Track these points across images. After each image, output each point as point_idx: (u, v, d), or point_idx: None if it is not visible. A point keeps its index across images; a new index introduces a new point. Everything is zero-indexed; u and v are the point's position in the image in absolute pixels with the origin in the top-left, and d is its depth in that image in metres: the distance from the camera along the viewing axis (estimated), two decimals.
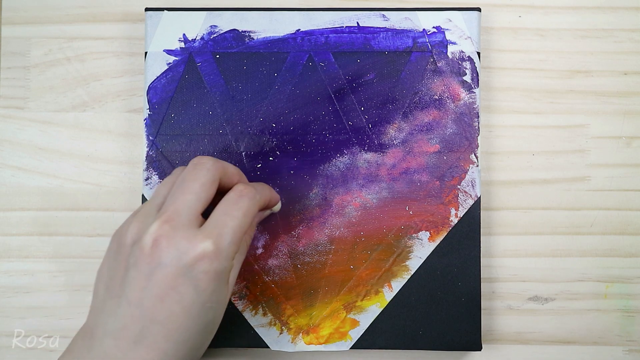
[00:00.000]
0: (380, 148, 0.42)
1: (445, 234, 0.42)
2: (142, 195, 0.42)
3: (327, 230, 0.42)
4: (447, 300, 0.41)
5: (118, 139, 0.44)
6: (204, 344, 0.35)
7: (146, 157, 0.42)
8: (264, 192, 0.38)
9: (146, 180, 0.42)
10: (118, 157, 0.44)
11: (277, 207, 0.41)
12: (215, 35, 0.43)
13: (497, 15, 0.45)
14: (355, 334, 0.41)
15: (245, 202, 0.35)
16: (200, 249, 0.32)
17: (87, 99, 0.44)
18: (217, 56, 0.43)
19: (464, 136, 0.42)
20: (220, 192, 0.36)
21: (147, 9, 0.43)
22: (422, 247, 0.42)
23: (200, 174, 0.34)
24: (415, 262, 0.42)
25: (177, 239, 0.32)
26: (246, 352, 0.43)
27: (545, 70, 0.44)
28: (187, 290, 0.32)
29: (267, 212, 0.41)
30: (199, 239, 0.32)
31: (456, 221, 0.42)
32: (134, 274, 0.32)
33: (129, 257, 0.33)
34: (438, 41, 0.43)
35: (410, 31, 0.43)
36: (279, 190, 0.42)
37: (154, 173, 0.42)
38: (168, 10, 0.43)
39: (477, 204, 0.42)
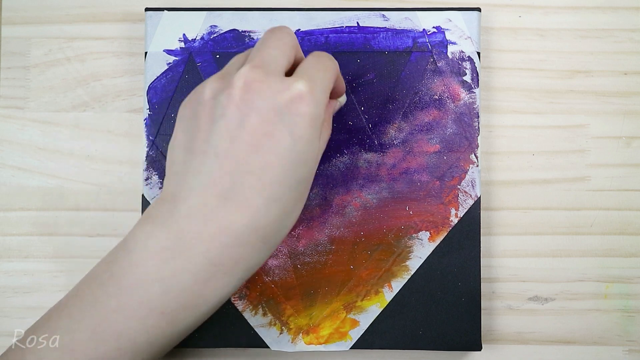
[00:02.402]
0: (380, 148, 0.42)
1: (445, 234, 0.42)
2: (142, 195, 0.42)
3: (327, 230, 0.42)
4: (447, 300, 0.41)
5: (118, 139, 0.44)
6: (295, 209, 0.32)
7: (146, 157, 0.42)
8: (338, 67, 0.35)
9: (146, 180, 0.42)
10: (118, 157, 0.44)
11: (343, 99, 0.38)
12: (215, 35, 0.43)
13: (497, 15, 0.45)
14: (355, 334, 0.41)
15: (326, 58, 0.33)
16: (295, 89, 0.30)
17: (87, 99, 0.44)
18: (217, 56, 0.43)
19: (464, 136, 0.42)
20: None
21: (147, 9, 0.43)
22: (422, 247, 0.42)
23: (283, 34, 0.33)
24: (415, 262, 0.42)
25: (271, 81, 0.30)
26: (246, 352, 0.43)
27: (545, 70, 0.44)
28: (283, 137, 0.29)
29: (337, 105, 0.38)
30: (293, 80, 0.30)
31: (456, 221, 0.42)
32: (222, 124, 0.30)
33: (213, 109, 0.30)
34: (438, 41, 0.43)
35: (410, 31, 0.43)
36: None
37: (154, 173, 0.42)
38: (168, 10, 0.43)
39: (477, 204, 0.42)
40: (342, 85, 0.37)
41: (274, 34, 0.33)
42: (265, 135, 0.29)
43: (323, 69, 0.32)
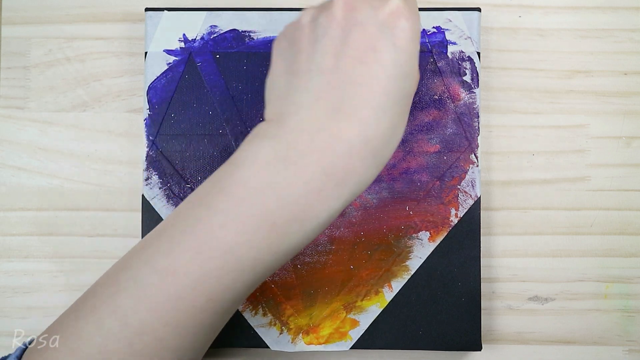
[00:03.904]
0: None
1: (445, 234, 0.42)
2: (142, 195, 0.42)
3: (327, 230, 0.42)
4: (447, 300, 0.41)
5: (118, 139, 0.44)
6: (400, 125, 0.31)
7: (146, 157, 0.42)
8: None
9: (146, 180, 0.42)
10: (118, 157, 0.44)
11: None
12: (215, 35, 0.43)
13: (497, 15, 0.45)
14: (355, 334, 0.41)
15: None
16: (393, 4, 0.30)
17: (87, 99, 0.44)
18: (217, 56, 0.43)
19: (464, 136, 0.42)
20: None
21: (147, 9, 0.43)
22: (422, 247, 0.42)
23: None
24: (415, 262, 0.42)
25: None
26: (246, 352, 0.43)
27: (545, 70, 0.44)
28: (386, 49, 0.30)
29: None
30: None
31: (456, 221, 0.42)
32: (325, 42, 0.30)
33: (314, 31, 0.31)
34: (438, 41, 0.43)
35: None
36: None
37: (154, 173, 0.42)
38: (168, 10, 0.43)
39: (477, 204, 0.42)
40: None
41: None
42: (369, 49, 0.30)
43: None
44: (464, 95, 0.42)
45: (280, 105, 0.31)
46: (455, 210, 0.42)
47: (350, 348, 0.41)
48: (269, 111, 0.32)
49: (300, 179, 0.29)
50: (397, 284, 0.42)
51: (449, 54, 0.42)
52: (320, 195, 0.29)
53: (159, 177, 0.42)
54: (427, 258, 0.42)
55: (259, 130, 0.31)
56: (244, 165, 0.30)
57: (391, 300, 0.41)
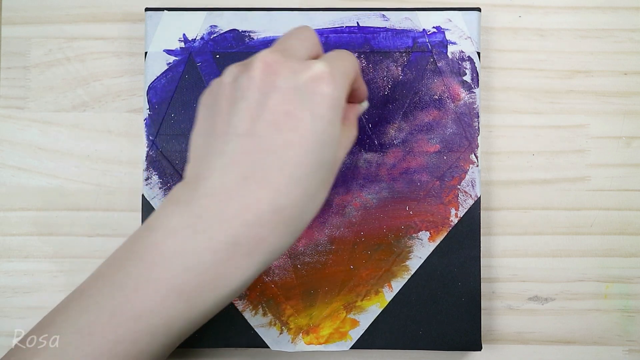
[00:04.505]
0: (380, 148, 0.42)
1: (445, 234, 0.42)
2: (142, 195, 0.42)
3: (327, 230, 0.42)
4: (447, 300, 0.41)
5: (118, 139, 0.44)
6: (317, 194, 0.31)
7: (146, 157, 0.42)
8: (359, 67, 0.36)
9: (146, 180, 0.42)
10: (118, 157, 0.44)
11: (366, 104, 0.38)
12: (215, 35, 0.43)
13: (497, 15, 0.45)
14: (355, 334, 0.41)
15: (346, 53, 0.33)
16: (315, 69, 0.30)
17: (87, 99, 0.44)
18: (217, 56, 0.43)
19: (464, 136, 0.42)
20: None
21: (147, 9, 0.43)
22: (422, 247, 0.42)
23: (304, 29, 0.33)
24: (415, 262, 0.42)
25: (291, 62, 0.30)
26: (246, 352, 0.43)
27: (545, 70, 0.44)
28: (303, 116, 0.29)
29: (361, 108, 0.37)
30: (313, 62, 0.30)
31: (456, 221, 0.42)
32: (242, 105, 0.30)
33: (233, 92, 0.30)
34: (438, 41, 0.43)
35: (410, 31, 0.43)
36: None
37: (154, 173, 0.42)
38: (168, 10, 0.43)
39: (477, 204, 0.42)
40: (364, 89, 0.37)
41: (296, 29, 0.33)
42: (286, 115, 0.29)
43: (343, 59, 0.33)
44: (464, 95, 0.42)
45: (196, 167, 0.31)
46: (455, 210, 0.42)
47: (350, 348, 0.41)
48: (188, 171, 0.32)
49: (208, 248, 0.29)
50: (397, 284, 0.42)
51: (449, 54, 0.42)
52: (229, 265, 0.29)
53: (159, 177, 0.42)
54: (427, 258, 0.42)
55: (174, 192, 0.31)
56: (155, 231, 0.30)
57: (391, 300, 0.41)
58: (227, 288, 0.30)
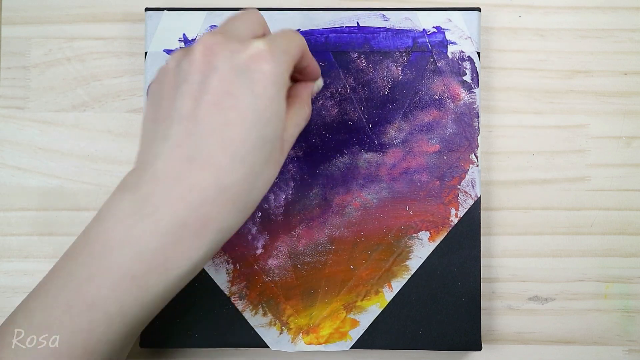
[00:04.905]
0: (380, 148, 0.42)
1: (445, 234, 0.42)
2: None
3: (327, 230, 0.42)
4: (447, 300, 0.41)
5: (118, 139, 0.44)
6: (264, 171, 0.31)
7: None
8: (307, 46, 0.36)
9: None
10: (118, 157, 0.44)
11: (320, 82, 0.38)
12: None
13: (497, 15, 0.45)
14: (355, 334, 0.41)
15: (291, 32, 0.33)
16: (254, 48, 0.30)
17: (87, 99, 0.44)
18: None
19: (464, 136, 0.42)
20: None
21: (147, 9, 0.43)
22: (422, 247, 0.42)
23: (249, 12, 0.33)
24: (415, 262, 0.42)
25: (231, 43, 0.30)
26: (246, 352, 0.43)
27: (545, 70, 0.44)
28: (243, 93, 0.30)
29: (315, 87, 0.38)
30: (252, 41, 0.31)
31: (456, 221, 0.42)
32: (184, 88, 0.30)
33: (176, 76, 0.31)
34: (438, 41, 0.43)
35: (410, 31, 0.43)
36: (278, 190, 0.42)
37: None
38: (168, 10, 0.43)
39: (477, 204, 0.42)
40: (314, 65, 0.37)
41: (241, 12, 0.34)
42: (226, 94, 0.30)
43: (286, 38, 0.33)
44: (464, 95, 0.42)
45: (144, 152, 0.31)
46: (455, 210, 0.42)
47: (350, 348, 0.41)
48: (137, 158, 0.32)
49: (155, 231, 0.30)
50: (397, 284, 0.42)
51: (449, 54, 0.42)
52: (178, 247, 0.30)
53: None
54: (427, 258, 0.42)
55: (124, 179, 0.31)
56: (105, 219, 0.31)
57: (391, 300, 0.41)
58: (179, 270, 0.30)
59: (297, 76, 0.36)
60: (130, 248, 0.30)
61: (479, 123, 0.42)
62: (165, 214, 0.30)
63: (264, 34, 0.34)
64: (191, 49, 0.31)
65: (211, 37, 0.31)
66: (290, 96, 0.35)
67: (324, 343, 0.41)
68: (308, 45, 0.42)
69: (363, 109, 0.42)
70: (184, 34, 0.43)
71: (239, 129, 0.30)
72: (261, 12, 0.43)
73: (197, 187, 0.29)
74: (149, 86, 0.33)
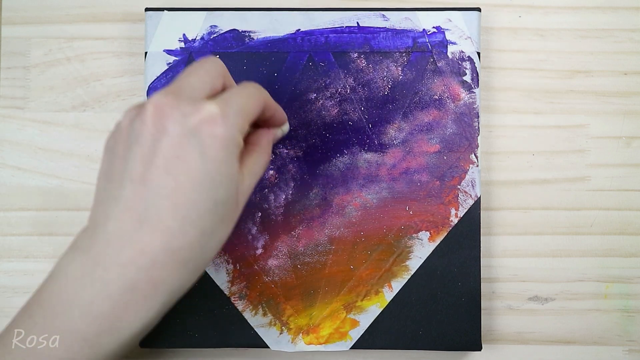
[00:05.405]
0: (380, 148, 0.42)
1: (445, 234, 0.42)
2: None
3: (327, 230, 0.42)
4: (447, 300, 0.41)
5: None
6: (216, 233, 0.32)
7: None
8: (270, 97, 0.36)
9: None
10: None
11: (286, 127, 0.38)
12: (215, 35, 0.43)
13: (497, 15, 0.45)
14: (355, 334, 0.41)
15: (251, 88, 0.33)
16: (206, 111, 0.30)
17: (87, 99, 0.44)
18: (217, 56, 0.43)
19: (464, 136, 0.42)
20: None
21: (147, 9, 0.43)
22: (422, 247, 0.42)
23: (208, 63, 0.33)
24: (415, 262, 0.42)
25: (182, 105, 0.30)
26: (246, 352, 0.43)
27: (545, 70, 0.44)
28: (193, 158, 0.30)
29: (279, 132, 0.38)
30: (204, 103, 0.31)
31: (456, 221, 0.42)
32: (136, 149, 0.30)
33: (129, 136, 0.31)
34: (438, 41, 0.43)
35: (410, 31, 0.43)
36: (278, 190, 0.42)
37: None
38: (168, 10, 0.43)
39: (477, 204, 0.42)
40: (280, 114, 0.37)
41: (199, 63, 0.33)
42: (176, 158, 0.30)
43: (244, 96, 0.33)
44: (464, 95, 0.42)
45: (96, 212, 0.31)
46: (455, 210, 0.42)
47: (350, 348, 0.41)
48: (90, 215, 0.32)
49: (105, 294, 0.30)
50: (397, 284, 0.42)
51: (449, 54, 0.42)
52: (129, 309, 0.30)
53: None
54: (427, 258, 0.42)
55: (77, 239, 0.32)
56: (58, 279, 0.31)
57: (391, 300, 0.41)
58: (130, 330, 0.31)
59: (262, 124, 0.36)
60: (81, 310, 0.30)
61: (479, 123, 0.42)
62: (115, 277, 0.30)
63: (224, 85, 0.34)
64: (144, 108, 0.31)
65: (163, 98, 0.31)
66: (249, 143, 0.35)
67: (324, 343, 0.41)
68: (308, 45, 0.43)
69: (363, 109, 0.42)
70: (184, 34, 0.43)
71: (190, 194, 0.30)
72: (261, 12, 0.43)
73: (147, 250, 0.30)
74: (106, 140, 0.33)
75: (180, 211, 0.30)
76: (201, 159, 0.30)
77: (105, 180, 0.32)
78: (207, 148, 0.30)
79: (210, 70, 0.33)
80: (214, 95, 0.33)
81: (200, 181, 0.30)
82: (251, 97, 0.33)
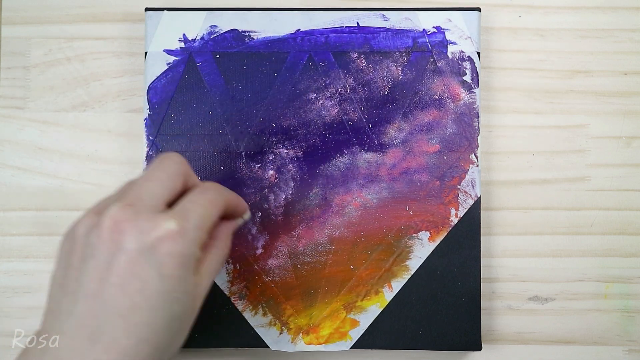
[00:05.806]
0: (380, 148, 0.42)
1: (445, 234, 0.42)
2: None
3: (327, 230, 0.42)
4: (447, 300, 0.41)
5: (118, 139, 0.44)
6: (172, 345, 0.31)
7: (146, 157, 0.42)
8: (230, 193, 0.36)
9: None
10: (118, 157, 0.44)
11: (247, 215, 0.38)
12: (215, 35, 0.43)
13: (497, 15, 0.45)
14: (355, 334, 0.41)
15: (211, 193, 0.33)
16: (163, 228, 0.30)
17: (87, 99, 0.44)
18: (217, 56, 0.43)
19: (464, 136, 0.42)
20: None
21: (147, 9, 0.43)
22: (422, 247, 0.42)
23: (167, 164, 0.33)
24: (415, 262, 0.42)
25: (140, 220, 0.30)
26: (246, 352, 0.43)
27: (545, 70, 0.44)
28: (150, 277, 0.29)
29: (240, 221, 0.37)
30: (162, 218, 0.30)
31: (456, 221, 0.42)
32: (91, 264, 0.30)
33: (84, 248, 0.30)
34: (438, 41, 0.43)
35: (410, 31, 0.43)
36: (278, 190, 0.42)
37: None
38: (168, 10, 0.43)
39: (477, 204, 0.42)
40: (242, 206, 0.37)
41: (159, 162, 0.33)
42: (132, 276, 0.29)
43: (204, 204, 0.32)
44: (464, 95, 0.42)
45: (49, 323, 0.30)
46: (455, 210, 0.42)
47: (350, 348, 0.41)
48: (43, 321, 0.31)
49: None
50: (397, 284, 0.42)
51: (449, 54, 0.42)
52: None
53: None
54: (427, 258, 0.42)
55: (31, 349, 0.30)
56: None
57: (391, 300, 0.41)
58: None
59: (223, 217, 0.36)
60: None
61: (479, 123, 0.42)
62: None
63: (184, 184, 0.33)
64: (100, 221, 0.30)
65: (121, 212, 0.30)
66: (208, 238, 0.34)
67: (324, 343, 0.41)
68: (308, 45, 0.43)
69: (363, 109, 0.42)
70: (184, 34, 0.43)
71: (145, 313, 0.29)
72: (261, 12, 0.43)
73: None
74: (60, 242, 0.32)
75: (135, 331, 0.29)
76: (158, 277, 0.30)
77: (58, 290, 0.31)
78: (164, 266, 0.30)
79: (170, 172, 0.33)
80: (174, 196, 0.32)
81: (157, 300, 0.30)
82: (212, 204, 0.33)
